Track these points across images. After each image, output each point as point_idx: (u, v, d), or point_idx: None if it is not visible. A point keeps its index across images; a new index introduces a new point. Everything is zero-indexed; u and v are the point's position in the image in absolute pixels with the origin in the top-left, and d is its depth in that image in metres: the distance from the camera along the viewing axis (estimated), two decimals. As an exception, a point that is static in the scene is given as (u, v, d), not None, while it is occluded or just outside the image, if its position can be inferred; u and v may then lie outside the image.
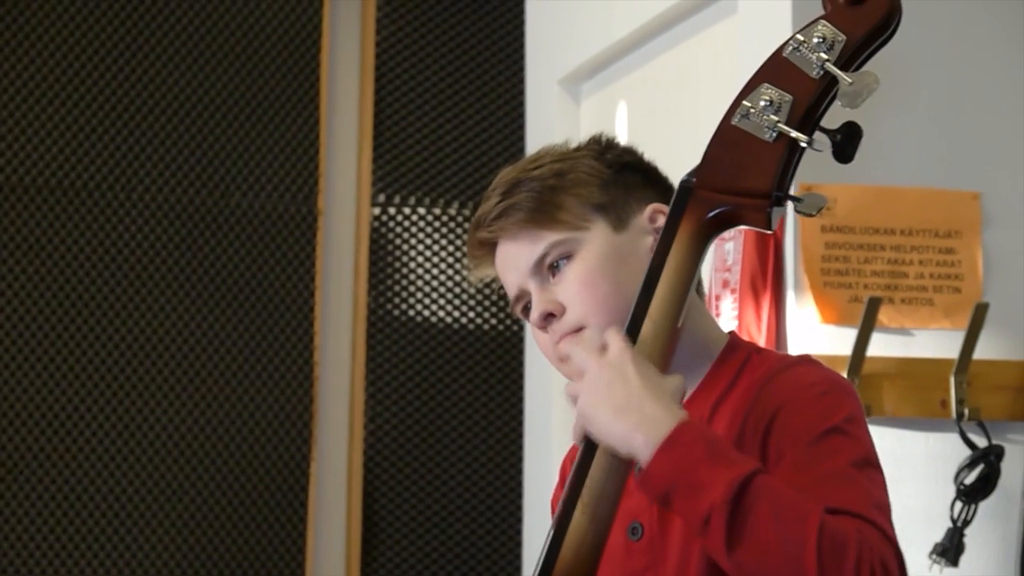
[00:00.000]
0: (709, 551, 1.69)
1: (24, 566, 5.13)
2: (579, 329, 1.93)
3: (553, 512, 2.10)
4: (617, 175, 2.00)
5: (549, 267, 1.97)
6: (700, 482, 1.67)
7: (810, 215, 1.76)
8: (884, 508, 1.76)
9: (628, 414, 1.71)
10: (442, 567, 5.51)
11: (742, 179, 1.75)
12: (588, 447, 1.73)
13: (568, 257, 1.97)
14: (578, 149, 2.05)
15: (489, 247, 2.02)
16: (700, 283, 1.97)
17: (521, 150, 5.25)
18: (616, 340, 1.74)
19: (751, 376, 1.90)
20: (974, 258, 3.50)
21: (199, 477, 5.29)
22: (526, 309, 2.01)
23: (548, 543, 1.69)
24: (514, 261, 2.00)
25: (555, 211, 1.97)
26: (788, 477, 1.74)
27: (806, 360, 1.94)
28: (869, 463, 1.80)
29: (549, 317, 1.96)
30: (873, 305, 3.34)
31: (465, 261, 5.60)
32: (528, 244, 1.98)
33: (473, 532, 5.54)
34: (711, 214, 1.77)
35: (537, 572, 1.67)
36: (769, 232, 1.82)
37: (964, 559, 3.30)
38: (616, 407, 1.71)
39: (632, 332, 1.75)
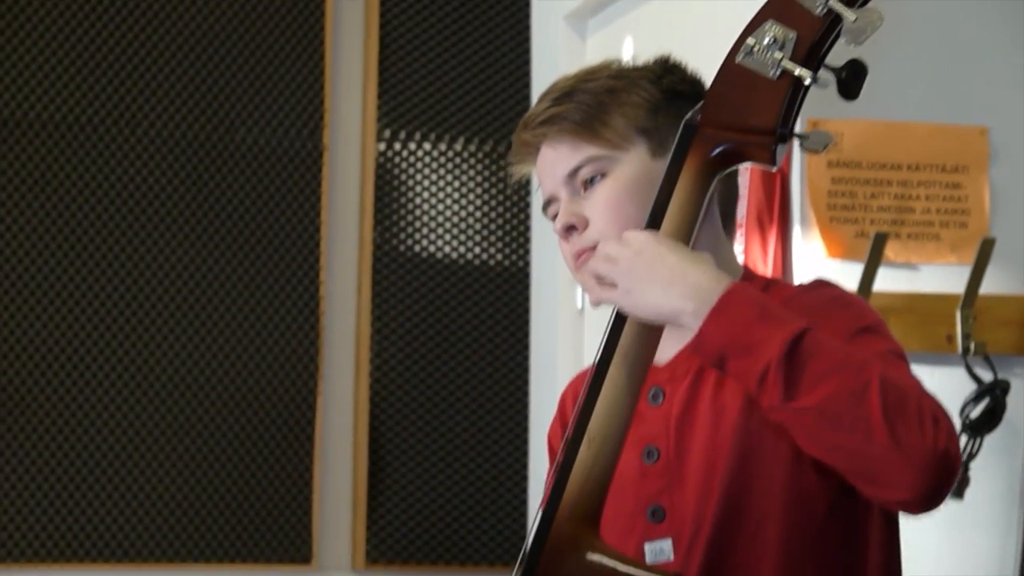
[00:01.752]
0: (766, 410, 1.71)
1: (32, 499, 5.15)
2: (596, 247, 1.94)
3: (551, 445, 2.11)
4: (669, 102, 2.00)
5: (583, 180, 1.99)
6: (754, 341, 1.69)
7: (816, 152, 1.78)
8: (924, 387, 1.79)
9: (675, 286, 1.74)
10: (448, 500, 5.53)
11: (746, 116, 1.75)
12: (596, 379, 1.74)
13: (602, 175, 1.98)
14: (638, 69, 2.05)
15: (533, 148, 2.04)
16: (729, 215, 1.98)
17: (527, 86, 5.23)
18: (636, 232, 1.77)
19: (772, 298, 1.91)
20: (981, 193, 3.50)
21: (206, 413, 5.31)
22: (556, 215, 2.03)
23: (554, 478, 1.70)
24: (551, 168, 2.01)
25: (599, 127, 1.97)
26: None
27: (821, 283, 1.97)
28: (904, 359, 1.84)
29: (571, 229, 1.98)
30: (879, 240, 3.35)
31: (473, 193, 5.60)
32: (567, 154, 1.99)
33: (479, 467, 5.56)
34: (715, 151, 1.79)
35: (543, 507, 1.68)
36: (774, 169, 1.83)
37: (969, 492, 3.32)
38: (663, 282, 1.74)
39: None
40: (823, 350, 1.69)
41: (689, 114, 1.82)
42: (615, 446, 1.72)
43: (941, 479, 1.69)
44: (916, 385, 1.74)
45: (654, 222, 1.79)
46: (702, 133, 1.79)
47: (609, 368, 1.74)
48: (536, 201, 4.72)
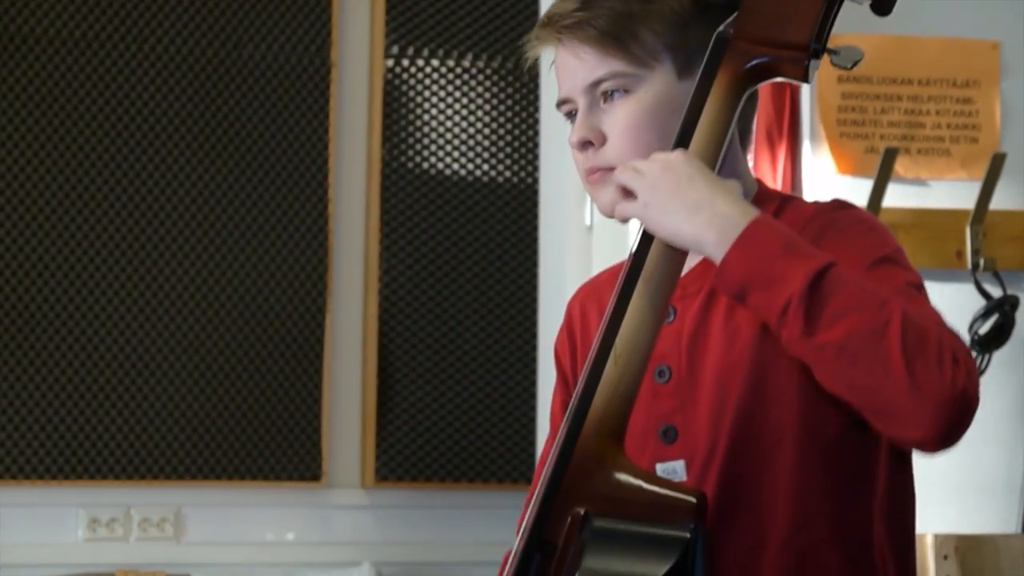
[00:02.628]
0: (785, 344, 1.71)
1: (43, 415, 5.18)
2: (611, 169, 1.90)
3: (557, 357, 2.11)
4: (701, 14, 1.91)
5: (603, 92, 1.92)
6: (776, 275, 1.68)
7: (846, 68, 1.76)
8: (944, 321, 1.78)
9: (699, 212, 1.72)
10: (457, 418, 5.55)
11: (781, 31, 1.74)
12: (622, 296, 1.74)
13: (625, 91, 1.92)
14: None
15: (553, 42, 1.96)
16: (745, 131, 1.97)
17: (536, 1, 5.21)
18: (665, 153, 1.75)
19: (789, 218, 1.90)
20: (992, 108, 3.49)
21: (215, 331, 5.32)
22: (570, 114, 1.97)
23: (579, 394, 1.70)
24: (571, 73, 1.95)
25: (628, 40, 1.91)
26: None
27: (841, 204, 1.95)
28: (923, 291, 1.82)
29: (587, 144, 1.93)
30: (889, 155, 3.34)
31: (481, 110, 5.58)
32: (591, 63, 1.92)
33: (488, 384, 5.58)
34: (748, 65, 1.76)
35: (569, 422, 1.68)
36: (807, 84, 1.81)
37: (978, 407, 3.33)
38: (688, 207, 1.72)
39: None
40: (845, 286, 1.68)
41: (722, 27, 1.79)
42: (641, 363, 1.71)
43: (958, 419, 1.68)
44: (937, 322, 1.72)
45: (683, 138, 1.77)
46: (734, 46, 1.76)
47: (636, 285, 1.73)
48: (545, 118, 4.71)
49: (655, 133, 1.89)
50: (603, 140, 1.92)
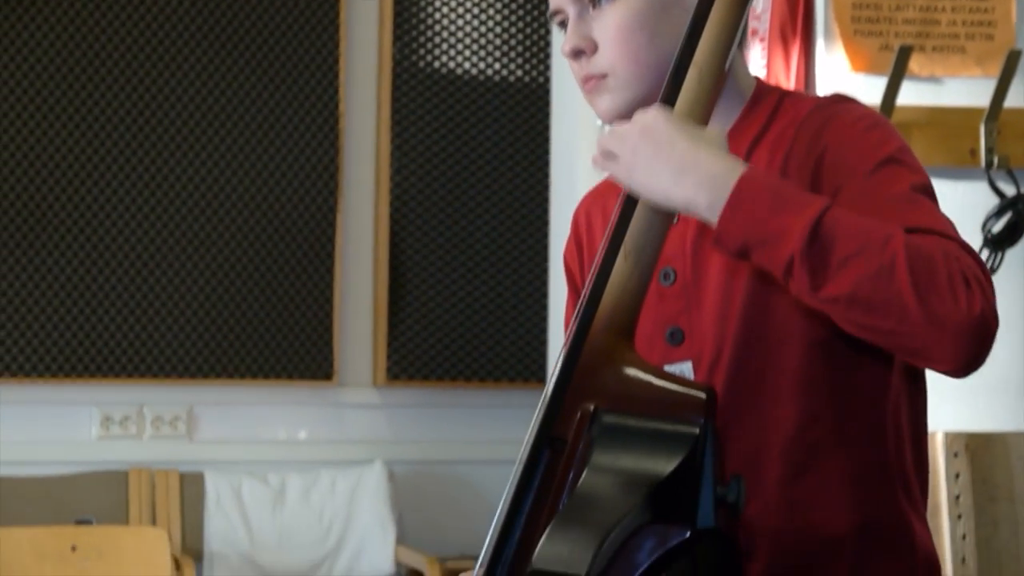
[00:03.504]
0: (797, 295, 1.70)
1: (56, 314, 5.19)
2: (604, 76, 1.89)
3: (567, 266, 2.10)
4: None
5: (591, 0, 1.91)
6: (774, 233, 1.66)
7: None
8: (953, 226, 1.76)
9: (685, 175, 1.69)
10: (468, 317, 5.56)
11: None
12: (631, 196, 1.72)
13: None
14: None
15: None
16: (743, 29, 1.93)
17: None
18: (649, 110, 1.73)
19: (787, 117, 1.88)
20: (1007, 4, 3.46)
21: (227, 230, 5.32)
22: (563, 23, 1.96)
23: (589, 290, 1.69)
24: None
25: None
26: (852, 207, 1.72)
27: (841, 98, 1.91)
28: (928, 192, 1.80)
29: (579, 53, 1.92)
30: (904, 53, 3.32)
31: (493, 8, 5.55)
32: None
33: (499, 283, 5.58)
34: None
35: (579, 318, 1.68)
36: None
37: (990, 306, 3.32)
38: (673, 169, 1.70)
39: (675, 83, 1.74)
40: (844, 231, 1.66)
41: None
42: (651, 259, 1.70)
43: (980, 345, 1.66)
44: (942, 243, 1.69)
45: (690, 45, 1.73)
46: None
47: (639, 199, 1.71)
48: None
49: (645, 35, 1.87)
50: (595, 48, 1.90)
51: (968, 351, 1.66)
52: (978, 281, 1.66)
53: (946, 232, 1.72)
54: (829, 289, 1.65)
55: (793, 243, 1.65)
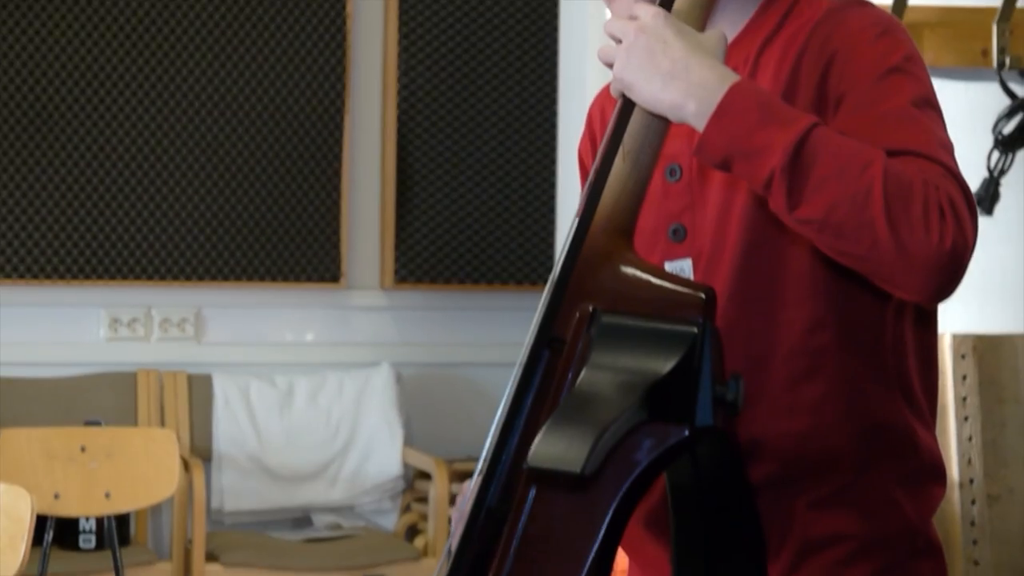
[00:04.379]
0: (773, 210, 1.70)
1: (63, 216, 5.19)
2: None
3: (581, 162, 2.09)
4: None
5: None
6: (757, 147, 1.65)
7: None
8: (946, 146, 1.75)
9: (675, 81, 1.68)
10: (476, 220, 5.55)
11: None
12: (628, 99, 1.71)
13: None
14: None
15: None
16: None
17: None
18: (647, 7, 1.71)
19: (801, 18, 1.86)
20: (1022, -99, 3.41)
21: (235, 132, 5.31)
22: None
23: (588, 191, 1.68)
24: None
25: None
26: (849, 119, 1.72)
27: (857, 1, 1.89)
28: (929, 103, 1.78)
29: None
30: (915, -49, 3.28)
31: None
32: None
33: (507, 186, 5.56)
34: None
35: (578, 220, 1.67)
36: None
37: (999, 208, 3.31)
38: (663, 75, 1.68)
39: None
40: (826, 152, 1.65)
41: None
42: (650, 159, 1.69)
43: (949, 277, 1.67)
44: (924, 168, 1.68)
45: None
46: None
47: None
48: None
49: None
50: None
51: (935, 283, 1.66)
52: (954, 211, 1.66)
53: (933, 155, 1.71)
54: (803, 210, 1.65)
55: (775, 158, 1.64)
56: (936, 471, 1.91)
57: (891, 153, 1.68)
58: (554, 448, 1.40)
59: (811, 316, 1.82)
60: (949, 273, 1.67)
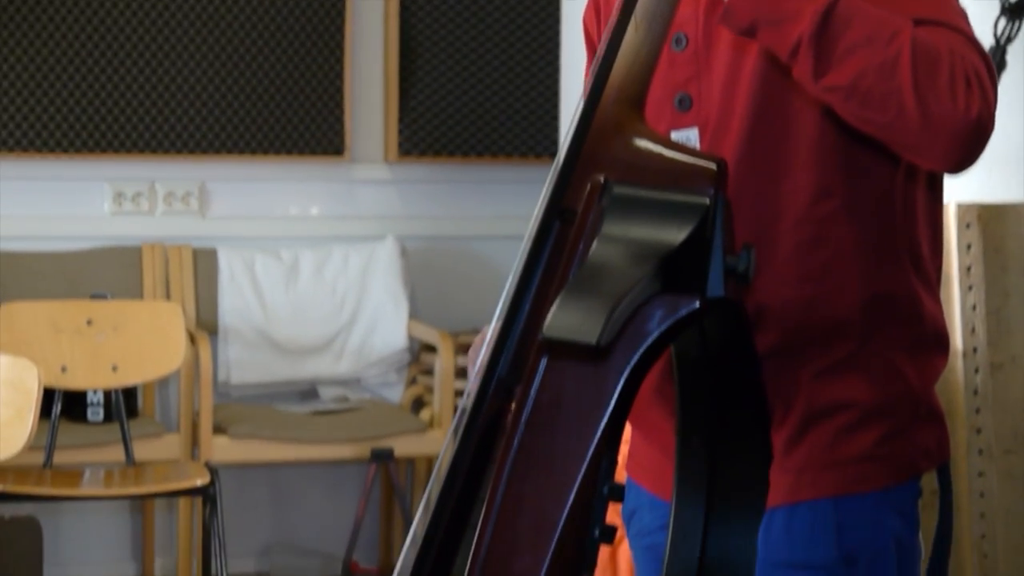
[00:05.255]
0: (797, 78, 1.69)
1: (65, 88, 5.17)
2: None
3: (586, 30, 2.08)
4: None
5: None
6: (786, 14, 1.65)
7: None
8: (964, 15, 1.75)
9: None
10: (480, 92, 5.53)
11: None
12: None
13: None
14: None
15: None
16: None
17: None
18: None
19: None
20: None
21: (237, 3, 5.27)
22: None
23: (600, 61, 1.67)
24: None
25: None
26: None
27: None
28: None
29: None
30: None
31: None
32: None
33: (511, 58, 5.54)
34: None
35: (589, 90, 1.66)
36: None
37: (1005, 76, 3.30)
38: None
39: None
40: (855, 21, 1.64)
41: None
42: (662, 28, 1.68)
43: (973, 147, 1.68)
44: (950, 38, 1.68)
45: None
46: None
47: None
48: None
49: None
50: None
51: (960, 153, 1.67)
52: (979, 81, 1.66)
53: (957, 25, 1.72)
54: (831, 78, 1.65)
55: (803, 25, 1.64)
56: (940, 339, 1.92)
57: (917, 22, 1.68)
58: (569, 319, 1.41)
59: (818, 183, 1.83)
60: (973, 142, 1.67)
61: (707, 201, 1.53)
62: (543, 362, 1.48)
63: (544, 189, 1.64)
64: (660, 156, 1.61)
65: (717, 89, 1.85)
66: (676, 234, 1.50)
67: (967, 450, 3.38)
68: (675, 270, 1.49)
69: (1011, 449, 3.42)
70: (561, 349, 1.45)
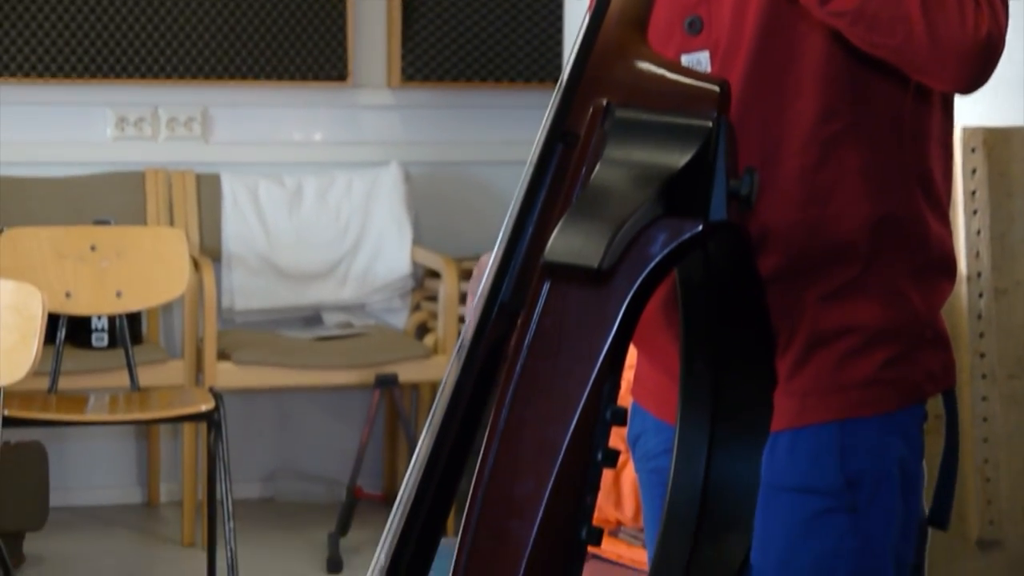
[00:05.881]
0: (805, 7, 1.68)
1: (66, 13, 5.15)
2: None
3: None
4: None
5: None
6: None
7: None
8: None
9: None
10: (483, 16, 5.50)
11: None
12: None
13: None
14: None
15: None
16: None
17: None
18: None
19: None
20: None
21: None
22: None
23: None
24: None
25: None
26: None
27: None
28: None
29: None
30: None
31: None
32: None
33: (514, -19, 5.51)
34: None
35: (591, 11, 1.65)
36: None
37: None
38: None
39: None
40: None
41: None
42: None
43: (984, 67, 1.68)
44: None
45: None
46: None
47: None
48: None
49: None
50: None
51: (971, 73, 1.67)
52: (988, 2, 1.65)
53: None
54: (837, 2, 1.63)
55: None
56: (946, 264, 1.91)
57: None
58: (571, 242, 1.40)
59: (824, 105, 1.82)
60: (984, 62, 1.67)
61: (710, 124, 1.52)
62: (546, 286, 1.48)
63: (547, 113, 1.63)
64: (663, 79, 1.60)
65: (728, 11, 1.83)
66: (678, 157, 1.49)
67: (971, 375, 3.39)
68: (678, 194, 1.48)
69: (1015, 374, 3.42)
70: (563, 273, 1.45)
